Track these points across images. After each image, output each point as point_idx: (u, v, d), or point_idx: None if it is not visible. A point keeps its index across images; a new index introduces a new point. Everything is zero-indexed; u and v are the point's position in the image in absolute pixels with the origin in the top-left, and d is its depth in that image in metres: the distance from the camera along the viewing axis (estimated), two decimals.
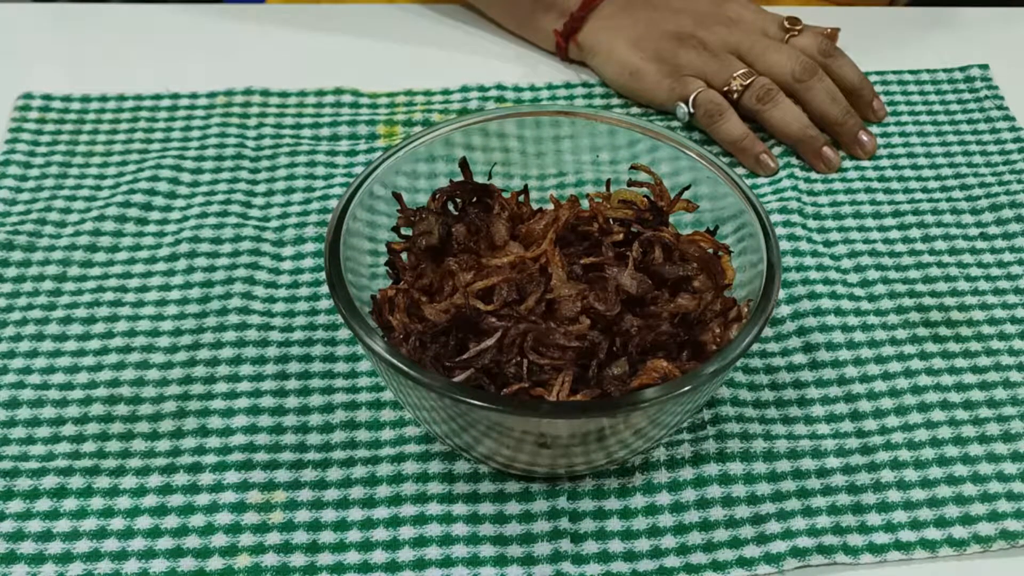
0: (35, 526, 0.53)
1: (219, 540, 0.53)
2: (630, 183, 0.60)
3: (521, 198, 0.60)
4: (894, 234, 0.69)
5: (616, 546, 0.53)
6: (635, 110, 0.78)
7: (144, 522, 0.53)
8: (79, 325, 0.62)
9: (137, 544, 0.52)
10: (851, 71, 0.76)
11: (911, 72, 0.81)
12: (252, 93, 0.77)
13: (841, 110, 0.74)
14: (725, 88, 0.74)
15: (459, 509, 0.54)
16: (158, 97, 0.77)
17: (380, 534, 0.53)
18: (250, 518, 0.54)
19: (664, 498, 0.55)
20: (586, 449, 0.52)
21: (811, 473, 0.56)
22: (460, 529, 0.53)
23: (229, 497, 0.54)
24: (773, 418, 0.58)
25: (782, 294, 0.64)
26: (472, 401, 0.48)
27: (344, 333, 0.62)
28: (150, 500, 0.54)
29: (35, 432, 0.57)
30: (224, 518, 0.54)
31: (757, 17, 0.78)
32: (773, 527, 0.53)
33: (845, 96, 0.75)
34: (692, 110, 0.74)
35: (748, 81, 0.73)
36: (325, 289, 0.64)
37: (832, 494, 0.55)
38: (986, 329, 0.63)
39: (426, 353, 0.52)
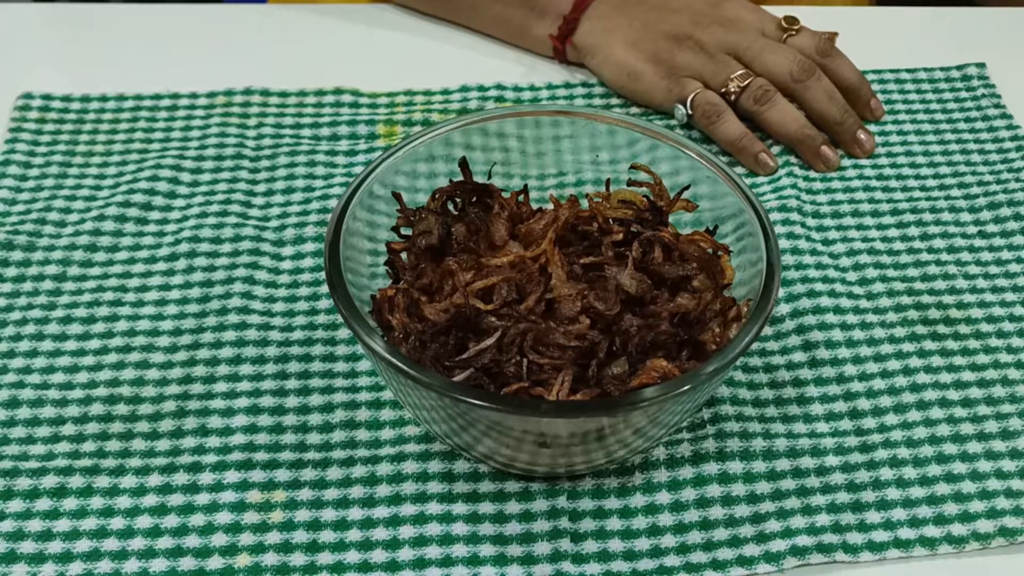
0: (35, 526, 0.53)
1: (219, 539, 0.53)
2: (630, 183, 0.60)
3: (521, 198, 0.60)
4: (892, 232, 0.69)
5: (616, 545, 0.53)
6: (635, 110, 0.78)
7: (144, 521, 0.53)
8: (79, 325, 0.62)
9: (137, 543, 0.53)
10: (849, 71, 0.76)
11: (908, 71, 0.81)
12: (252, 93, 0.77)
13: (839, 109, 0.74)
14: (723, 89, 0.74)
15: (459, 508, 0.54)
16: (158, 97, 0.77)
17: (380, 533, 0.53)
18: (250, 517, 0.54)
19: (664, 497, 0.55)
20: (586, 449, 0.52)
21: (810, 471, 0.56)
22: (460, 528, 0.53)
23: (229, 496, 0.54)
24: (772, 417, 0.58)
25: (781, 292, 0.64)
26: (472, 401, 0.48)
27: (344, 333, 0.62)
28: (150, 499, 0.54)
29: (35, 432, 0.57)
30: (224, 517, 0.54)
31: (754, 17, 0.77)
32: (772, 526, 0.53)
33: (843, 95, 0.75)
34: (690, 111, 0.74)
35: (745, 82, 0.73)
36: (325, 289, 0.64)
37: (831, 492, 0.55)
38: (984, 327, 0.63)
39: (426, 353, 0.52)
